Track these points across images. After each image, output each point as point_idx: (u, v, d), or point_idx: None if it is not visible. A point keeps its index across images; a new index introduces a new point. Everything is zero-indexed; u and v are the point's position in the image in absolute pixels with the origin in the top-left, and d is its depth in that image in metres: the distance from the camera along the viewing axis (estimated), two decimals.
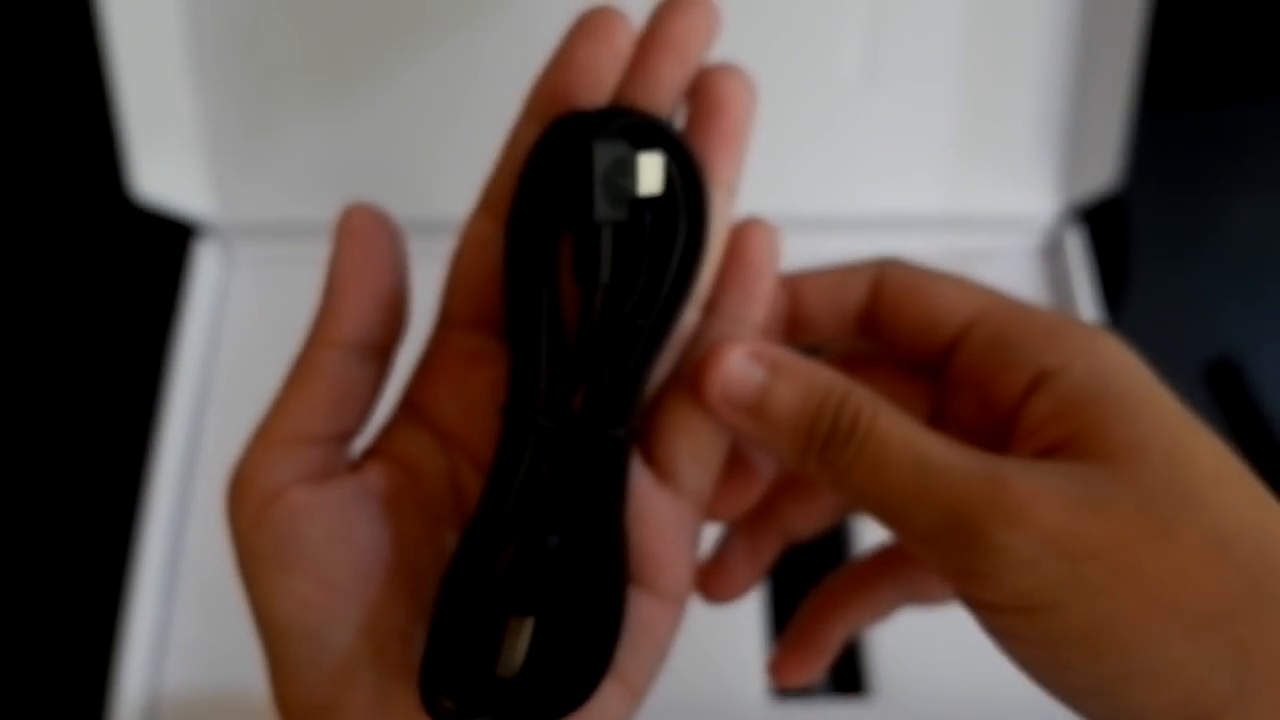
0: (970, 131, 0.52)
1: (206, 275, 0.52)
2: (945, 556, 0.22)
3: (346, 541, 0.23)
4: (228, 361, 0.51)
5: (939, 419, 0.26)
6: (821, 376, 0.23)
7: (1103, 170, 0.50)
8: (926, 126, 0.52)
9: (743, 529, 0.30)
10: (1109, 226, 0.55)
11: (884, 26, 0.50)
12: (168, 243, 0.53)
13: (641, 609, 0.24)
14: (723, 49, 0.55)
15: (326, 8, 0.50)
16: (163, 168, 0.50)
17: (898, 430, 0.22)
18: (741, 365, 0.23)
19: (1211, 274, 0.56)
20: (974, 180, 0.53)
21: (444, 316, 0.25)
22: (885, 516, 0.23)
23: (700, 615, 0.45)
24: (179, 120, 0.51)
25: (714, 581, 0.30)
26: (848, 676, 0.45)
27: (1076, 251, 0.52)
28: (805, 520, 0.29)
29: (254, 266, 0.54)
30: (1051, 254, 0.54)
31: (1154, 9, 0.47)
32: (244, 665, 0.44)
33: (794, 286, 0.27)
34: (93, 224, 0.57)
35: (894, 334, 0.26)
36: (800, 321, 0.27)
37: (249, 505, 0.22)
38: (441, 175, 0.53)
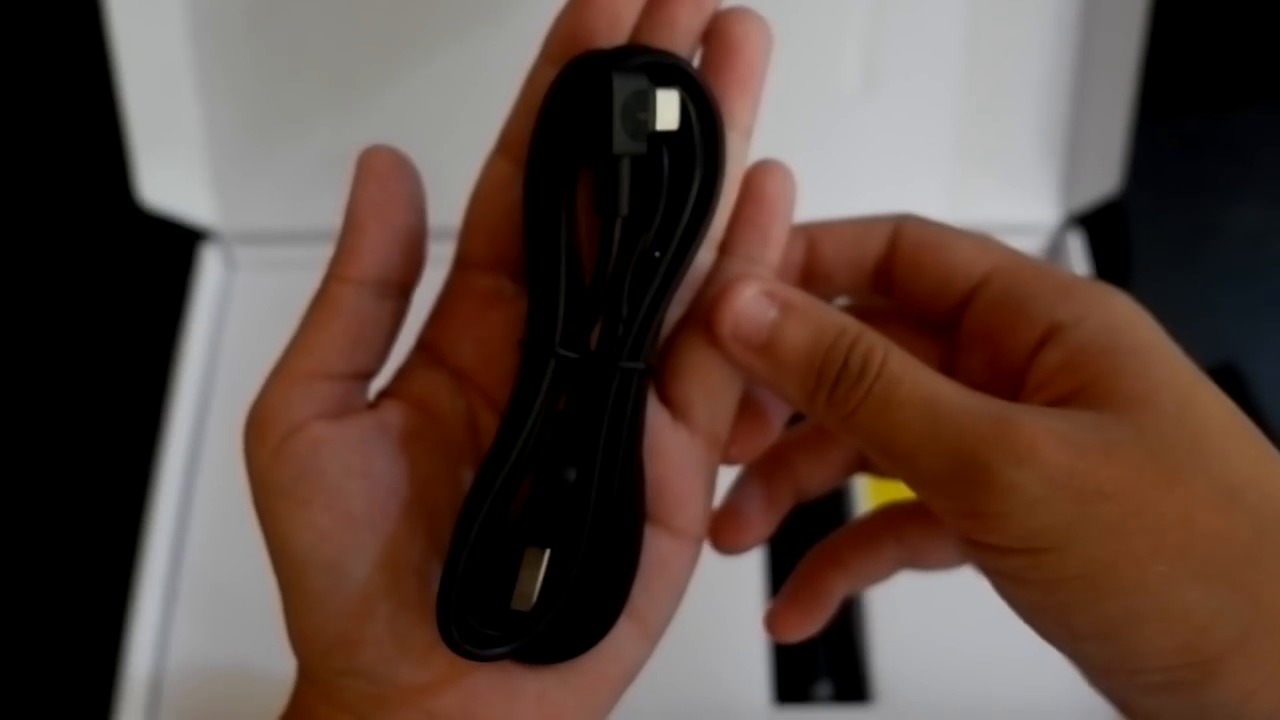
0: (971, 139, 0.52)
1: (211, 279, 0.53)
2: (953, 498, 0.22)
3: (365, 476, 0.23)
4: (231, 363, 0.51)
5: (949, 374, 0.26)
6: (833, 317, 0.23)
7: (1104, 178, 0.51)
8: (927, 134, 0.52)
9: (755, 479, 0.30)
10: (1110, 232, 0.55)
11: (884, 34, 0.51)
12: (175, 247, 0.53)
13: (658, 546, 0.24)
14: None
15: (329, 17, 0.50)
16: (167, 175, 0.50)
17: (908, 371, 0.22)
18: (753, 303, 0.23)
19: (1212, 279, 0.56)
20: (975, 188, 0.53)
21: (460, 259, 0.25)
22: (893, 458, 0.22)
23: (704, 618, 0.45)
24: (183, 128, 0.51)
25: (724, 530, 0.29)
26: (851, 684, 0.45)
27: (1077, 258, 0.52)
28: (818, 474, 0.30)
29: (258, 271, 0.54)
30: (1051, 260, 0.54)
31: (1154, 15, 0.47)
32: (242, 647, 0.44)
33: (811, 237, 0.27)
34: (101, 229, 0.57)
35: (910, 288, 0.26)
36: (816, 273, 0.27)
37: (268, 440, 0.22)
38: (444, 183, 0.53)
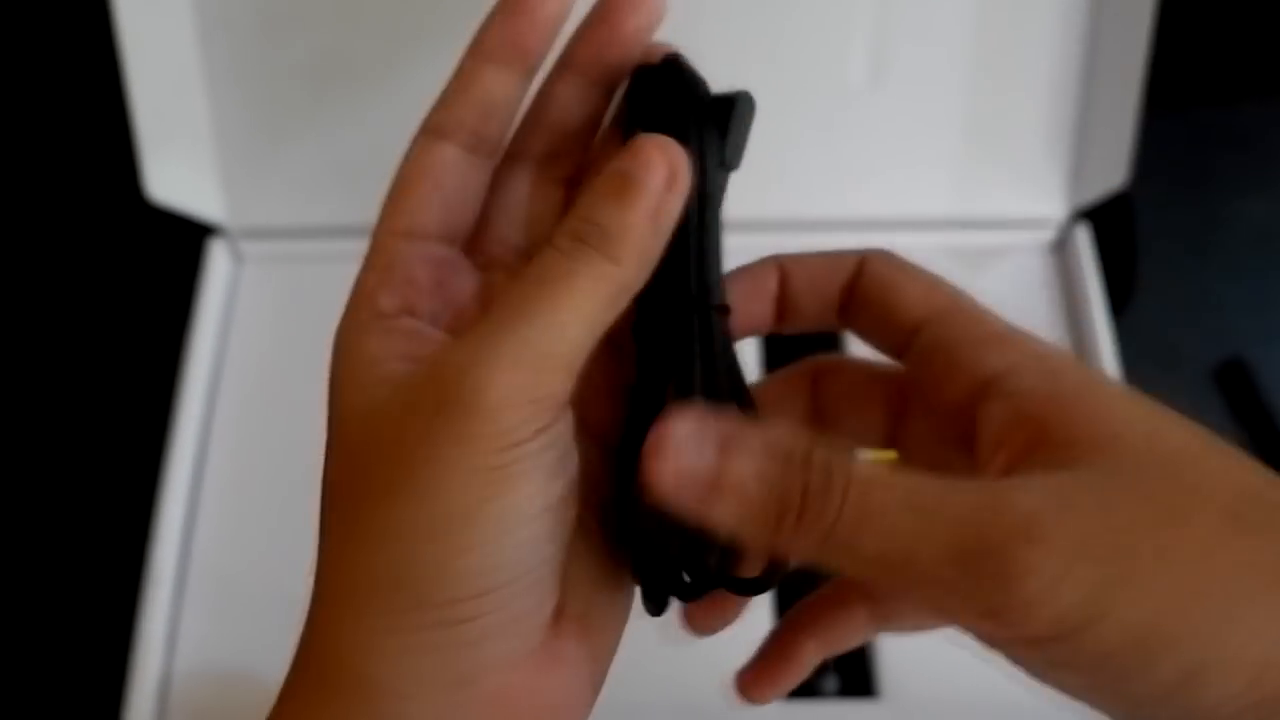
0: (978, 135, 0.52)
1: (219, 274, 0.53)
2: (967, 597, 0.20)
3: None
4: (239, 358, 0.51)
5: (898, 439, 0.26)
6: (777, 437, 0.21)
7: (1111, 172, 0.50)
8: (934, 130, 0.52)
9: (780, 646, 0.29)
10: (1117, 226, 0.55)
11: (891, 30, 0.50)
12: (183, 241, 0.53)
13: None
14: (731, 55, 0.56)
15: (336, 15, 0.50)
16: (175, 172, 0.50)
17: (878, 474, 0.21)
18: (688, 448, 0.21)
19: (1220, 273, 0.56)
20: (982, 182, 0.53)
21: (407, 230, 0.25)
22: (888, 571, 0.20)
23: None
24: (191, 126, 0.51)
25: (751, 683, 0.30)
26: (858, 679, 0.45)
27: (1084, 252, 0.52)
28: (841, 636, 0.29)
29: (265, 266, 0.54)
30: (1059, 254, 0.54)
31: (1162, 8, 0.47)
32: (251, 646, 0.44)
33: (784, 268, 0.27)
34: (110, 224, 0.58)
35: (864, 326, 0.26)
36: (788, 304, 0.27)
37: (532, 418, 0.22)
38: None
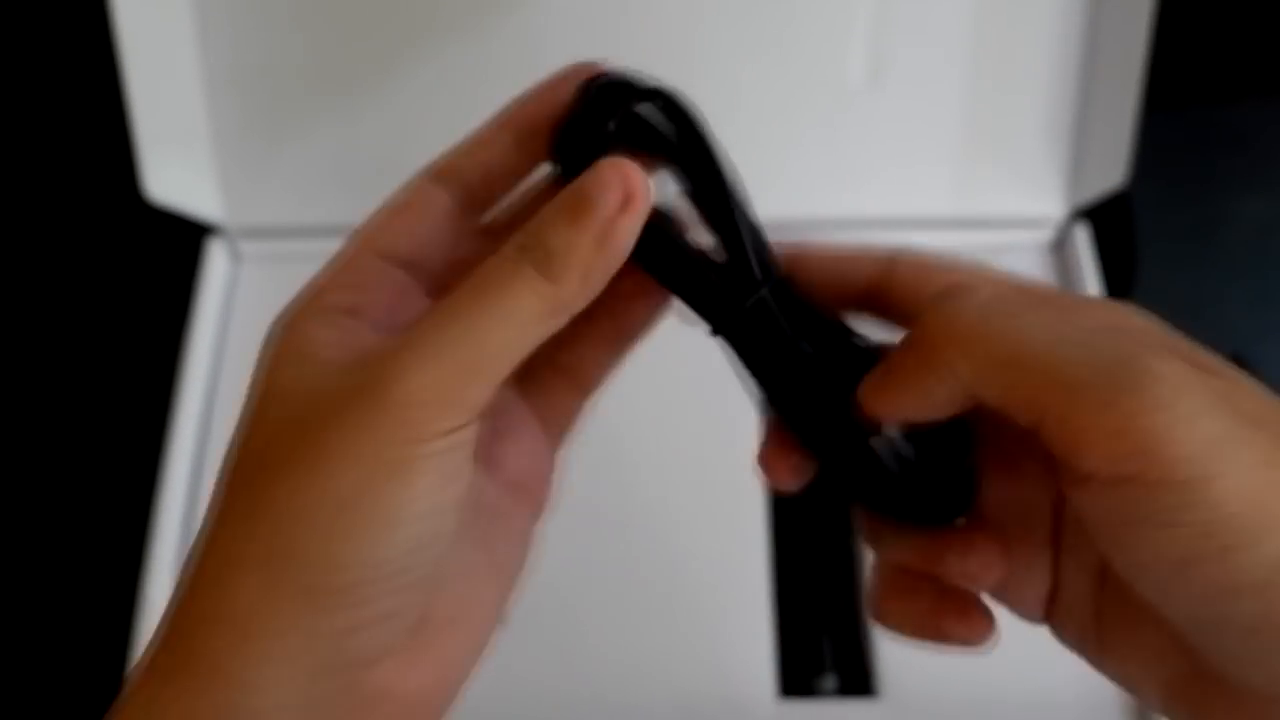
0: (977, 132, 0.52)
1: (217, 273, 0.53)
2: (1097, 408, 0.20)
3: None
4: (237, 356, 0.51)
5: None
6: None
7: (1111, 171, 0.50)
8: (934, 128, 0.52)
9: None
10: (1116, 225, 0.55)
11: (890, 29, 0.50)
12: (182, 240, 0.53)
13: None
14: (731, 54, 0.56)
15: (334, 15, 0.50)
16: (173, 172, 0.50)
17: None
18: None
19: (1219, 271, 0.56)
20: (981, 181, 0.53)
21: (381, 250, 0.25)
22: (1022, 365, 0.21)
23: (710, 611, 0.45)
24: (189, 126, 0.51)
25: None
26: (857, 678, 0.45)
27: (1083, 251, 0.52)
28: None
29: (263, 265, 0.54)
30: (1058, 253, 0.54)
31: (1161, 7, 0.47)
32: None
33: (794, 259, 0.27)
34: (109, 223, 0.58)
35: (890, 317, 0.26)
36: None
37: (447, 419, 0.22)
38: None
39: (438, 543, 0.22)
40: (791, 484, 0.26)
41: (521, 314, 0.21)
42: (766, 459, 0.26)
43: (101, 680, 0.45)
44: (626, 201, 0.22)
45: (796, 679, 0.45)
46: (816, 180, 0.52)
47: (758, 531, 0.47)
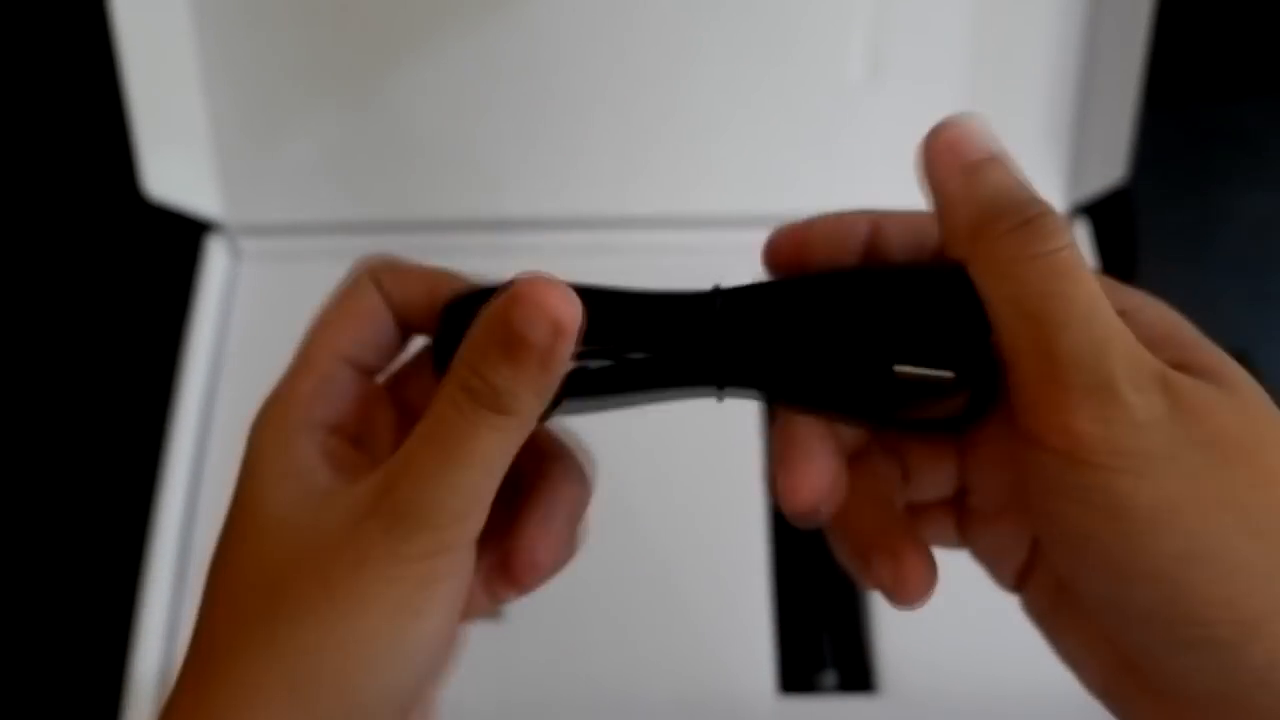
0: None
1: (217, 270, 0.53)
2: (1068, 389, 0.22)
3: None
4: (236, 352, 0.51)
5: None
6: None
7: (1110, 168, 0.50)
8: (934, 124, 0.52)
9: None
10: (1116, 221, 0.55)
11: (890, 24, 0.50)
12: (182, 237, 0.53)
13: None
14: (731, 52, 0.56)
15: (332, 12, 0.50)
16: (173, 169, 0.50)
17: (1088, 267, 0.23)
18: (980, 131, 0.26)
19: (1219, 269, 0.56)
20: None
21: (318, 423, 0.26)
22: (1036, 321, 0.22)
23: (710, 608, 0.45)
24: (189, 123, 0.51)
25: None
26: (856, 674, 0.45)
27: (1083, 247, 0.52)
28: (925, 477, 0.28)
29: (263, 262, 0.54)
30: None
31: (1161, 4, 0.47)
32: None
33: (876, 221, 0.28)
34: (112, 220, 0.58)
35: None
36: (877, 251, 0.28)
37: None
38: (446, 177, 0.53)
39: (444, 664, 0.25)
40: (812, 500, 0.25)
41: (491, 453, 0.23)
42: (789, 477, 0.26)
43: (101, 680, 0.45)
44: (556, 330, 0.22)
45: (796, 675, 0.45)
46: (816, 177, 0.52)
47: (757, 528, 0.47)
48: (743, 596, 0.46)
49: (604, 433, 0.49)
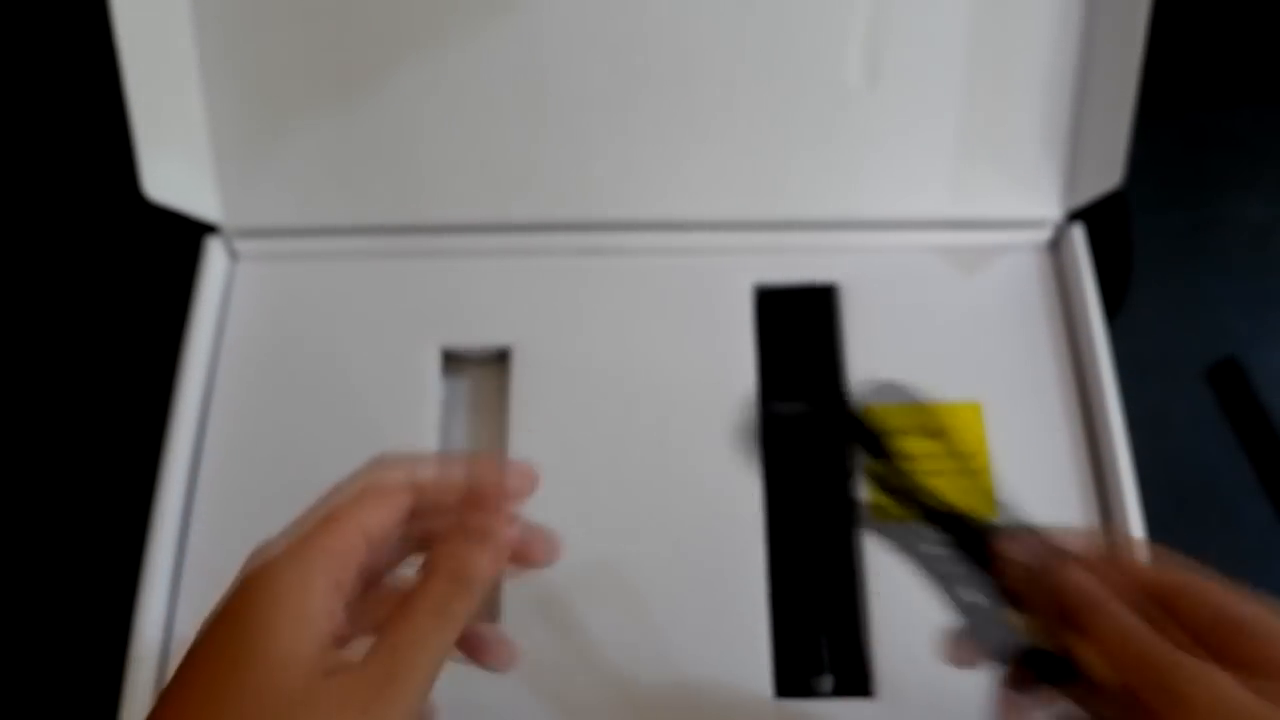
0: (974, 135, 0.52)
1: (215, 271, 0.53)
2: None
3: None
4: (235, 352, 0.51)
5: None
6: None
7: (1106, 174, 0.50)
8: (930, 130, 0.52)
9: None
10: (1112, 227, 0.55)
11: (888, 29, 0.51)
12: (182, 238, 0.53)
13: None
14: (729, 55, 0.56)
15: (331, 16, 0.50)
16: (172, 171, 0.50)
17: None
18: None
19: (1214, 274, 0.56)
20: (977, 183, 0.53)
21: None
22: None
23: (707, 615, 0.45)
24: (188, 125, 0.51)
25: None
26: (853, 679, 0.45)
27: (1079, 252, 0.52)
28: None
29: (261, 264, 0.54)
30: (1054, 255, 0.54)
31: (1157, 11, 0.47)
32: None
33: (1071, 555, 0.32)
34: (110, 222, 0.58)
35: None
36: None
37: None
38: (444, 180, 0.53)
39: None
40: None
41: (458, 629, 0.29)
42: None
43: (101, 680, 0.45)
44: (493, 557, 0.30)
45: (793, 679, 0.45)
46: (813, 182, 0.52)
47: (755, 532, 0.47)
48: (740, 601, 0.46)
49: (602, 434, 0.49)
